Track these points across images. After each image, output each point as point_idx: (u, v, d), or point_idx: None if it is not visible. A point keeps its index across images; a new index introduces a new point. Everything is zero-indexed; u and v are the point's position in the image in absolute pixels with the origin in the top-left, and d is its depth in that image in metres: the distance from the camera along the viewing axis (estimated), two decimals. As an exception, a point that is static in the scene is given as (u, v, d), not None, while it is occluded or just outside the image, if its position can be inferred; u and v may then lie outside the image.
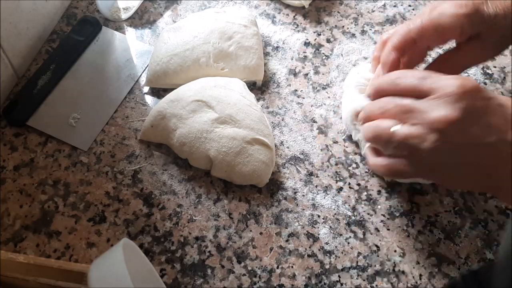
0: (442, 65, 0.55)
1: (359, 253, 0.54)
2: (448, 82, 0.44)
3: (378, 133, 0.47)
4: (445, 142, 0.43)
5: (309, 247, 0.54)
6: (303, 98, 0.64)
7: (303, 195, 0.57)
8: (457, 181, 0.47)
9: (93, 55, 0.66)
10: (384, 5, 0.73)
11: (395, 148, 0.46)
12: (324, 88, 0.65)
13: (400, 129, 0.45)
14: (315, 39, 0.69)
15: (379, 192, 0.58)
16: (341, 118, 0.62)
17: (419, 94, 0.45)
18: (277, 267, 0.53)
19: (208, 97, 0.58)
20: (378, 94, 0.50)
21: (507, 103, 0.44)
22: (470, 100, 0.43)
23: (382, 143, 0.48)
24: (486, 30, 0.51)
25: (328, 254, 0.54)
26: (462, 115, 0.42)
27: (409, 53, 0.53)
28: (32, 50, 0.65)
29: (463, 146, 0.43)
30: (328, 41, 0.69)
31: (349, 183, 0.58)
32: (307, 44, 0.69)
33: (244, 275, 0.53)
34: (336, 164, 0.60)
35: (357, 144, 0.60)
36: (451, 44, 0.55)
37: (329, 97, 0.64)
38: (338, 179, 0.59)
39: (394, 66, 0.53)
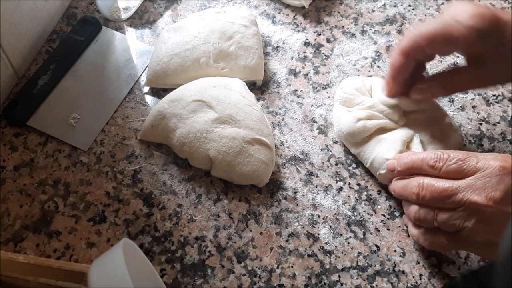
0: (435, 84, 0.54)
1: (359, 253, 0.54)
2: (488, 164, 0.45)
3: (422, 219, 0.49)
4: (486, 222, 0.45)
5: (309, 247, 0.54)
6: (303, 98, 0.64)
7: (303, 195, 0.57)
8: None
9: (93, 55, 0.66)
10: (384, 5, 0.73)
11: (437, 227, 0.49)
12: (324, 88, 0.65)
13: (441, 215, 0.47)
14: (315, 39, 0.69)
15: (379, 192, 0.58)
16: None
17: (458, 176, 0.47)
18: (277, 267, 0.53)
19: (208, 97, 0.58)
20: (408, 170, 0.52)
21: None
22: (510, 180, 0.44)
23: (425, 224, 0.50)
24: (495, 52, 0.49)
25: (328, 254, 0.54)
26: (503, 196, 0.44)
27: (416, 58, 0.53)
28: (32, 50, 0.65)
29: (503, 224, 0.44)
30: (328, 41, 0.69)
31: (349, 183, 0.58)
32: (307, 44, 0.69)
33: (244, 275, 0.53)
34: (336, 164, 0.60)
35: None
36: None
37: (329, 97, 0.64)
38: (338, 179, 0.59)
39: (401, 70, 0.53)
